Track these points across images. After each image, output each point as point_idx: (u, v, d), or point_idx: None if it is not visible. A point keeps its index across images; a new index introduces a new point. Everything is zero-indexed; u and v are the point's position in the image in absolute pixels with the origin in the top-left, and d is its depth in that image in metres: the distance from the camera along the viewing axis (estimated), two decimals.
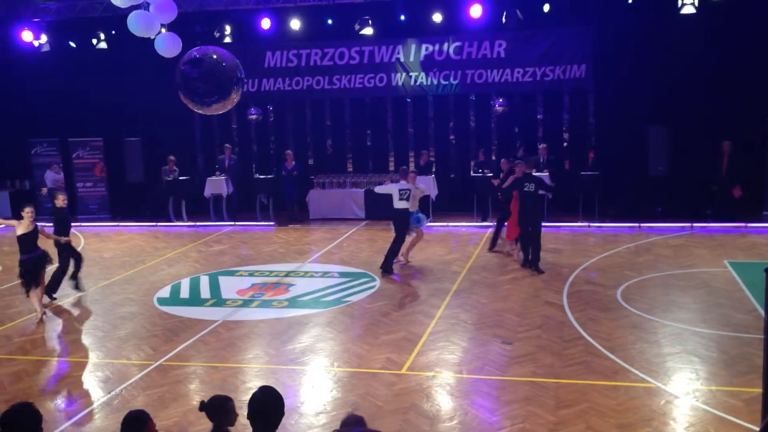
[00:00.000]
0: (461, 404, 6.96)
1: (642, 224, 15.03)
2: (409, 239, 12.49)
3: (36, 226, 10.07)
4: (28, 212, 9.96)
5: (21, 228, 9.92)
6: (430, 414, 6.75)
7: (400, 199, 11.99)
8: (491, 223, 15.63)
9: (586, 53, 16.15)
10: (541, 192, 11.98)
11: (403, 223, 12.07)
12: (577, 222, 15.54)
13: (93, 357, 8.72)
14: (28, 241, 9.96)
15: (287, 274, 12.26)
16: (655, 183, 15.42)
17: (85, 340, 9.36)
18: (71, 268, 11.17)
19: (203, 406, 4.12)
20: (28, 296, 10.11)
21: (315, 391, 7.42)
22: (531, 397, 6.99)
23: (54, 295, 11.05)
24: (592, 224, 15.37)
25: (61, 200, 10.97)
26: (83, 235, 16.10)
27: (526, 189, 11.75)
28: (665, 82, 15.47)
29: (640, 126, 15.38)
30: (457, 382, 7.52)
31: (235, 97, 8.17)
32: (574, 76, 16.27)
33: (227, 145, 17.99)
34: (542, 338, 8.64)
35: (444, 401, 7.07)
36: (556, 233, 14.82)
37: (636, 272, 11.45)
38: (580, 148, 17.21)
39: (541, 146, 16.30)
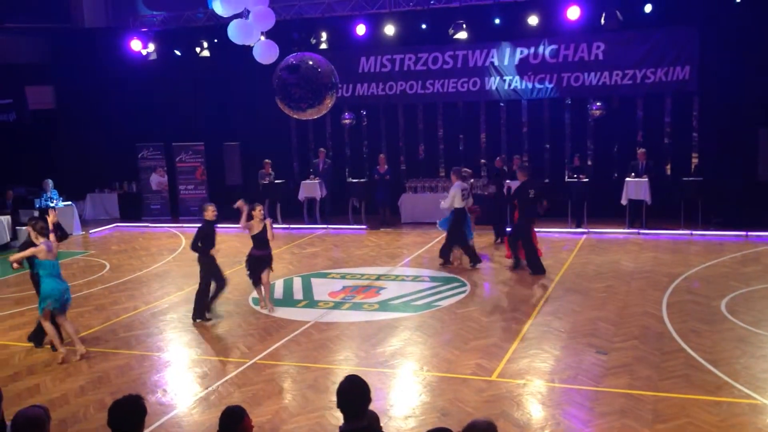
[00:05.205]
0: (553, 414, 6.81)
1: (749, 233, 14.28)
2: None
3: (264, 224, 10.41)
4: (258, 210, 10.41)
5: (254, 228, 10.39)
6: (520, 422, 6.64)
7: (463, 199, 12.58)
8: (585, 230, 15.29)
9: (691, 54, 15.50)
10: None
11: (463, 221, 12.65)
12: (678, 230, 14.92)
13: (192, 354, 9.06)
14: (260, 239, 10.39)
15: (378, 278, 12.35)
16: (764, 189, 14.61)
17: (185, 337, 9.73)
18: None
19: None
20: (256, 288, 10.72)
21: (404, 395, 7.44)
22: (627, 410, 6.76)
23: (208, 316, 10.29)
24: (694, 232, 14.71)
25: (210, 212, 10.26)
26: (184, 236, 16.75)
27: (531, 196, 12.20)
28: None
29: (749, 129, 14.64)
30: (549, 391, 7.36)
31: (329, 102, 8.30)
32: (677, 78, 15.67)
33: (321, 149, 18.34)
34: (639, 349, 8.35)
35: (535, 410, 6.94)
36: (655, 241, 14.30)
37: (742, 283, 10.89)
38: (682, 153, 16.49)
39: (640, 151, 15.73)
